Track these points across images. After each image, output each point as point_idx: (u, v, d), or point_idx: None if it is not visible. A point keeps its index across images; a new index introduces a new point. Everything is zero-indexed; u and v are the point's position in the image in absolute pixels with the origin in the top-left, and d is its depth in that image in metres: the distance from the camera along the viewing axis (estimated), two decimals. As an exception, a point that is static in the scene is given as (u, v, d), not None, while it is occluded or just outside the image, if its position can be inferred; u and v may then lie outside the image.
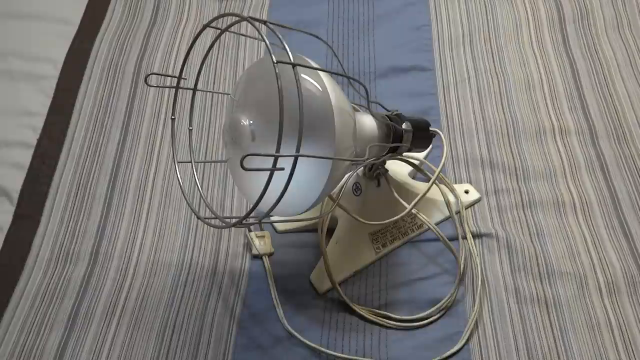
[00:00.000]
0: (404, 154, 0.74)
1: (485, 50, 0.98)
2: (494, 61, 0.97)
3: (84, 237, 0.80)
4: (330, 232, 0.77)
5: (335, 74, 0.64)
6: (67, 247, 0.79)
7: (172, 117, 0.69)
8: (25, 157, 0.86)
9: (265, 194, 0.54)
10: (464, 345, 0.71)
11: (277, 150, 0.53)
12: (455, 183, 0.84)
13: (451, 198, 0.80)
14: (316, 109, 0.59)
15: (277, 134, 0.53)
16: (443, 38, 1.01)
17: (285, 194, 0.55)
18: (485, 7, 1.04)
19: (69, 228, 0.80)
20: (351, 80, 0.74)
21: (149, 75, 0.68)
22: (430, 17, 1.03)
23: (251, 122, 0.60)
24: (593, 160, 0.85)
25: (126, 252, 0.79)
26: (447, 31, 1.01)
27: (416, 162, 0.80)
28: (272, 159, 0.53)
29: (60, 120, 0.90)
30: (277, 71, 0.53)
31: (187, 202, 0.67)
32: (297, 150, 0.54)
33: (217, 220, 0.65)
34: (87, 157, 0.87)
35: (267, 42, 0.55)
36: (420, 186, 0.80)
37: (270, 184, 0.53)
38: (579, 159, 0.85)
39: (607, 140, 0.87)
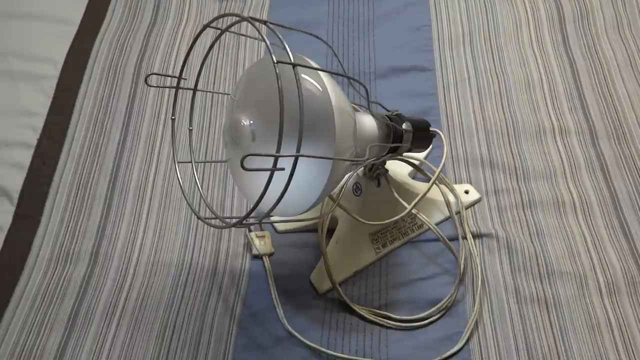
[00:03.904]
0: (404, 154, 0.74)
1: (485, 50, 0.98)
2: (494, 61, 0.97)
3: (84, 237, 0.80)
4: (330, 232, 0.77)
5: (335, 74, 0.64)
6: (67, 247, 0.79)
7: (172, 117, 0.69)
8: (25, 157, 0.86)
9: (266, 194, 0.54)
10: (464, 346, 0.71)
11: (278, 150, 0.53)
12: (455, 183, 0.84)
13: (451, 198, 0.80)
14: (316, 109, 0.59)
15: (277, 134, 0.53)
16: (443, 38, 1.01)
17: (286, 194, 0.55)
18: (485, 6, 1.04)
19: (69, 228, 0.80)
20: (351, 80, 0.74)
21: (149, 75, 0.68)
22: (430, 17, 1.03)
23: (251, 122, 0.60)
24: (593, 160, 0.85)
25: (126, 252, 0.79)
26: (447, 31, 1.01)
27: (416, 162, 0.80)
28: (272, 159, 0.53)
29: (60, 121, 0.90)
30: (277, 71, 0.53)
31: (187, 202, 0.67)
32: (298, 150, 0.54)
33: (217, 220, 0.65)
34: (87, 157, 0.87)
35: (267, 42, 0.55)
36: (420, 186, 0.80)
37: (271, 184, 0.53)
38: (579, 159, 0.85)
39: (607, 141, 0.87)
